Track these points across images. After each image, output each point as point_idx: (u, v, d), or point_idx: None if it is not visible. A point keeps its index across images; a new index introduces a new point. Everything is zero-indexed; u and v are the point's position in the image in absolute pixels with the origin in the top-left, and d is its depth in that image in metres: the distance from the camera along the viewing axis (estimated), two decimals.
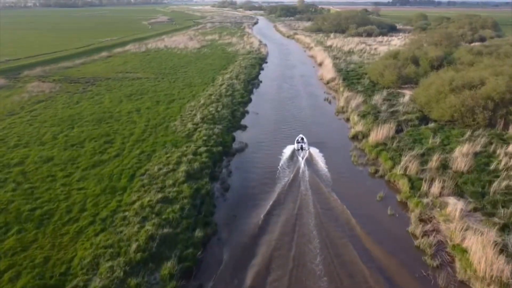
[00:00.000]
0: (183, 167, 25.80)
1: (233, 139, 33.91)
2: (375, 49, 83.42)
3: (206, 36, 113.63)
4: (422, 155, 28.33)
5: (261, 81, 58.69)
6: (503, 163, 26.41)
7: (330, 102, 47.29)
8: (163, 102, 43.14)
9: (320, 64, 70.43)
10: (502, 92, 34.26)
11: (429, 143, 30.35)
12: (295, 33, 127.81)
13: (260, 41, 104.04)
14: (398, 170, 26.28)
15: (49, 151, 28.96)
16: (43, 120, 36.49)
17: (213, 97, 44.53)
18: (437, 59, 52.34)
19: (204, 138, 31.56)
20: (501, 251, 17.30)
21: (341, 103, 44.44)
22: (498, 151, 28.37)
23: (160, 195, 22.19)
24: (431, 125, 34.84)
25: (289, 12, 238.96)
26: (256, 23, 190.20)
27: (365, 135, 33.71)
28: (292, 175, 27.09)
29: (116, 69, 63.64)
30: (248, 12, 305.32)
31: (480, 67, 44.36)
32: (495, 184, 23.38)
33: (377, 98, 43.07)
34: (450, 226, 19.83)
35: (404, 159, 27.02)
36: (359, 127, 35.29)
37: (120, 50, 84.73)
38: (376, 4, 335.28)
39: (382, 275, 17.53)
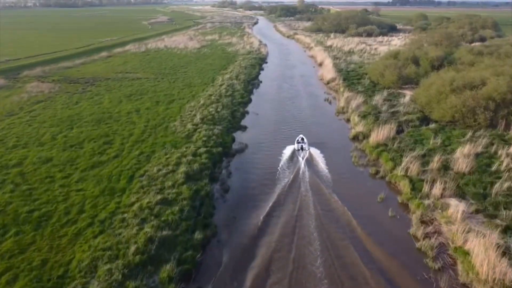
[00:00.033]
0: (182, 168, 25.62)
1: (233, 139, 33.74)
2: (375, 49, 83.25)
3: (206, 36, 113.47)
4: (423, 156, 28.14)
5: (261, 81, 58.53)
6: (504, 164, 26.22)
7: (330, 103, 47.12)
8: (162, 102, 42.97)
9: (320, 64, 70.26)
10: (503, 92, 34.06)
11: (430, 144, 30.18)
12: (295, 33, 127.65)
13: (260, 41, 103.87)
14: (399, 171, 26.10)
15: (48, 152, 28.79)
16: (42, 120, 36.32)
17: (213, 97, 44.36)
18: (438, 59, 52.15)
19: (204, 138, 31.38)
20: (504, 253, 17.13)
21: (342, 103, 44.25)
22: (499, 152, 28.19)
23: (159, 197, 22.02)
24: (432, 125, 34.67)
25: (289, 12, 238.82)
26: (256, 23, 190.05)
27: (366, 136, 33.54)
28: (292, 176, 26.93)
29: (116, 69, 63.47)
30: (248, 12, 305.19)
31: (481, 67, 44.19)
32: (496, 186, 23.18)
33: (378, 99, 42.90)
34: (451, 228, 19.65)
35: (405, 160, 26.83)
36: (360, 128, 35.12)
37: (120, 50, 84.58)
38: (376, 4, 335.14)
39: (384, 277, 17.36)
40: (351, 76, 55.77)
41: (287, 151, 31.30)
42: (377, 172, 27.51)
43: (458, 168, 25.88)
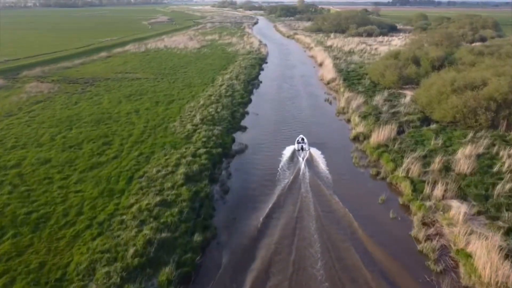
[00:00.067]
0: (182, 169, 25.44)
1: (233, 140, 33.55)
2: (376, 49, 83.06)
3: (206, 36, 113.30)
4: (424, 157, 27.95)
5: (261, 82, 58.35)
6: (506, 165, 26.03)
7: (330, 103, 46.93)
8: (162, 102, 42.79)
9: (321, 64, 70.08)
10: (504, 92, 33.87)
11: (431, 145, 30.00)
12: (295, 33, 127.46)
13: (260, 41, 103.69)
14: (400, 172, 25.91)
15: (46, 153, 28.61)
16: (41, 121, 36.14)
17: (212, 97, 44.17)
18: (438, 59, 51.96)
19: (204, 139, 31.20)
20: (507, 256, 16.92)
21: (342, 103, 44.07)
22: (501, 153, 28.00)
23: (158, 198, 21.83)
24: (433, 126, 34.47)
25: (289, 12, 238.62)
26: (256, 23, 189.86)
27: (366, 136, 33.37)
28: (292, 177, 26.76)
29: (115, 69, 63.29)
30: (248, 12, 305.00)
31: (481, 68, 44.01)
32: (498, 187, 22.99)
33: (378, 99, 42.72)
34: (453, 230, 19.46)
35: (406, 161, 26.64)
36: (360, 128, 34.93)
37: (119, 50, 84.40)
38: (376, 4, 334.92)
39: (385, 280, 17.18)
40: (351, 76, 55.58)
41: (287, 151, 31.13)
42: (378, 173, 27.33)
43: (459, 169, 25.70)
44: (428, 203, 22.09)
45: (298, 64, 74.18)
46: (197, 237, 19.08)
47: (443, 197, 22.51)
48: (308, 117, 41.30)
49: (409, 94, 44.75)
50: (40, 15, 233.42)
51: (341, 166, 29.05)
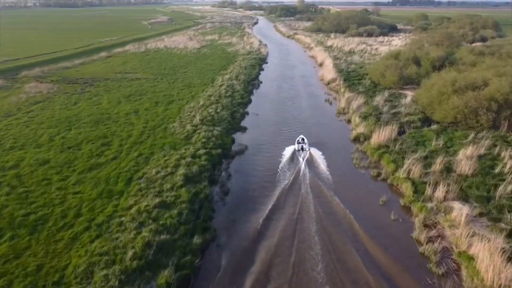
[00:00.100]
0: (181, 170, 25.25)
1: (233, 141, 33.36)
2: (376, 49, 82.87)
3: (206, 36, 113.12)
4: (425, 157, 27.76)
5: (261, 82, 58.15)
6: (508, 166, 25.82)
7: (331, 103, 46.74)
8: (162, 103, 42.60)
9: (321, 65, 69.90)
10: (505, 93, 33.67)
11: (432, 146, 29.81)
12: (295, 33, 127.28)
13: (260, 41, 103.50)
14: (401, 173, 25.72)
15: (45, 154, 28.42)
16: (40, 121, 35.95)
17: (212, 98, 43.98)
18: (439, 60, 51.80)
19: (203, 140, 31.00)
20: (510, 259, 16.74)
21: (342, 104, 43.88)
22: (502, 154, 27.82)
23: (157, 200, 21.64)
24: (434, 126, 34.28)
25: (289, 12, 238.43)
26: (256, 23, 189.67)
27: (367, 137, 33.18)
28: (292, 178, 26.58)
29: (115, 69, 63.12)
30: (248, 12, 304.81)
31: (482, 68, 43.86)
32: (500, 188, 22.82)
33: (379, 99, 42.52)
34: (455, 232, 19.27)
35: (407, 162, 26.45)
36: (361, 129, 34.74)
37: (119, 50, 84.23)
38: (376, 4, 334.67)
39: (387, 282, 17.00)
40: (351, 77, 55.39)
41: (288, 152, 30.98)
42: (379, 174, 27.14)
43: (461, 170, 25.51)
44: (429, 205, 21.90)
45: (298, 64, 74.00)
46: (197, 239, 18.90)
47: (445, 199, 22.32)
48: (308, 117, 41.10)
49: (409, 94, 44.56)
50: (40, 15, 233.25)
51: (342, 167, 28.87)
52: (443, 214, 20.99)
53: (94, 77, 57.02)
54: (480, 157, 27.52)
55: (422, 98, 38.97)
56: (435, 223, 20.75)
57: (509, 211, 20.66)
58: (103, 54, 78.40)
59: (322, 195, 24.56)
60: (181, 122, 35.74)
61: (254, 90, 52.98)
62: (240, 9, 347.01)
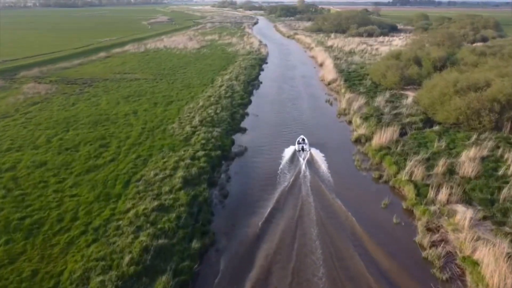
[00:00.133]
0: (180, 173, 24.88)
1: (233, 142, 32.98)
2: (377, 49, 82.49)
3: (206, 36, 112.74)
4: (428, 159, 27.38)
5: (261, 82, 57.78)
6: (511, 168, 25.46)
7: (331, 104, 46.36)
8: (161, 104, 42.23)
9: (321, 65, 69.54)
10: (508, 94, 33.28)
11: (435, 147, 29.42)
12: (295, 33, 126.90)
13: (260, 41, 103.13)
14: (403, 175, 25.33)
15: (42, 156, 28.05)
16: (37, 122, 35.58)
17: (212, 98, 43.60)
18: (440, 60, 51.45)
19: (203, 141, 30.62)
20: None
21: (343, 104, 43.51)
22: (506, 156, 27.43)
23: (155, 203, 21.26)
24: (436, 128, 33.90)
25: (289, 12, 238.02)
26: (256, 23, 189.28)
27: (368, 138, 32.82)
28: (292, 179, 26.21)
29: (114, 69, 62.75)
30: (248, 12, 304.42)
31: (484, 68, 43.53)
32: (504, 191, 22.43)
33: (380, 100, 42.14)
34: (459, 236, 18.89)
35: (409, 164, 26.06)
36: (362, 130, 34.38)
37: (119, 51, 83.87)
38: (376, 4, 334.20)
39: None
40: (352, 77, 55.00)
41: (288, 152, 30.67)
42: (381, 176, 26.76)
43: (464, 172, 25.13)
44: (432, 208, 21.52)
45: (298, 65, 73.62)
46: (195, 244, 18.52)
47: (448, 202, 21.95)
48: (308, 118, 40.73)
49: (411, 95, 44.18)
50: (40, 15, 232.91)
51: (343, 169, 28.51)
52: (446, 218, 20.63)
53: (93, 77, 56.65)
54: (483, 159, 27.15)
55: (424, 98, 38.60)
56: (438, 226, 20.38)
57: None
58: (102, 54, 78.05)
59: (323, 197, 24.19)
60: (180, 123, 35.37)
61: (254, 91, 52.62)
62: (240, 9, 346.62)
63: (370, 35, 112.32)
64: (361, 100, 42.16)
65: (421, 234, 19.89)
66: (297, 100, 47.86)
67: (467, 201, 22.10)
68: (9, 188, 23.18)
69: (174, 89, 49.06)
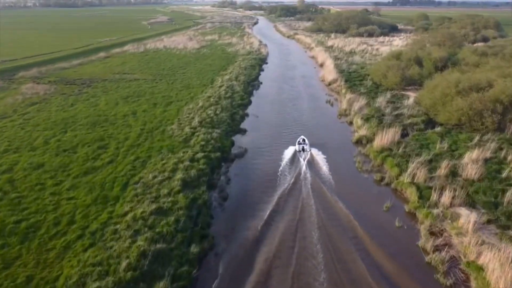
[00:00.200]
0: (179, 175, 24.51)
1: (232, 144, 32.61)
2: (377, 49, 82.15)
3: (206, 36, 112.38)
4: (430, 161, 27.01)
5: (261, 83, 57.41)
6: None
7: (332, 105, 46.00)
8: (160, 104, 41.88)
9: (321, 65, 69.18)
10: (511, 94, 32.93)
11: (437, 149, 29.05)
12: (296, 33, 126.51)
13: (260, 41, 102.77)
14: (405, 177, 24.96)
15: (40, 157, 27.69)
16: (35, 123, 35.22)
17: (212, 99, 43.24)
18: (441, 60, 51.07)
19: (202, 143, 30.26)
20: None
21: (344, 105, 43.15)
22: (509, 158, 27.09)
23: (154, 206, 20.89)
24: (438, 129, 33.53)
25: (289, 12, 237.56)
26: (256, 23, 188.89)
27: (369, 140, 32.47)
28: (292, 181, 25.87)
29: (113, 70, 62.39)
30: (248, 12, 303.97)
31: (486, 69, 43.16)
32: (508, 194, 22.07)
33: (381, 101, 41.77)
34: (463, 240, 18.53)
35: (411, 166, 25.70)
36: (363, 131, 34.02)
37: (118, 51, 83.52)
38: (376, 4, 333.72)
39: None
40: (353, 77, 54.65)
41: (288, 153, 30.39)
42: (382, 178, 26.39)
43: (467, 174, 24.78)
44: (435, 211, 21.16)
45: (298, 65, 73.25)
46: (194, 248, 18.16)
47: (451, 205, 21.59)
48: (309, 119, 40.37)
49: (412, 95, 43.82)
50: (40, 15, 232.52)
51: (344, 171, 28.15)
52: (449, 221, 20.27)
53: (92, 77, 56.29)
54: (486, 160, 26.79)
55: (425, 99, 38.24)
56: (442, 230, 20.01)
57: None
58: (102, 54, 77.70)
59: (324, 199, 23.88)
60: (180, 124, 35.01)
61: (254, 91, 52.26)
62: (240, 9, 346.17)
63: (370, 35, 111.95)
64: (362, 101, 41.81)
65: (424, 238, 19.53)
66: (297, 101, 47.49)
67: (471, 204, 21.75)
68: (5, 191, 22.83)
69: (174, 90, 48.71)
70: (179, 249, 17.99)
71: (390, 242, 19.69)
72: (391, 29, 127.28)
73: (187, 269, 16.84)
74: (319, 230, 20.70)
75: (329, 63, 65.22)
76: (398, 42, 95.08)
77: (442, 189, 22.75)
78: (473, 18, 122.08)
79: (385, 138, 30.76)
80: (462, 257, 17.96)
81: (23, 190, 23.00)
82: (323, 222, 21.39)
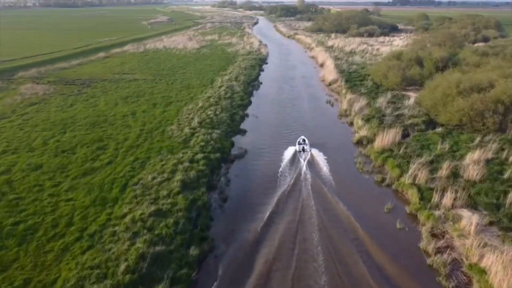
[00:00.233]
0: (178, 176, 24.33)
1: (232, 144, 32.43)
2: (377, 49, 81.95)
3: (206, 36, 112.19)
4: (431, 162, 26.83)
5: (261, 83, 57.23)
6: None
7: (332, 105, 45.81)
8: (160, 105, 41.70)
9: (322, 65, 69.00)
10: None
11: (438, 149, 28.86)
12: (296, 33, 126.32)
13: (260, 41, 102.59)
14: (407, 179, 24.77)
15: (38, 158, 27.50)
16: (34, 124, 35.04)
17: (211, 99, 43.06)
18: (442, 60, 50.87)
19: (202, 143, 30.09)
20: None
21: (344, 105, 42.98)
22: (510, 158, 26.91)
23: (153, 208, 20.71)
24: (439, 129, 33.33)
25: (289, 12, 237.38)
26: (256, 23, 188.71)
27: (370, 140, 32.29)
28: (292, 182, 25.69)
29: (113, 70, 62.22)
30: (248, 12, 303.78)
31: (487, 69, 42.97)
32: (510, 195, 21.86)
33: (381, 101, 41.58)
34: (465, 243, 18.35)
35: (412, 167, 25.50)
36: (364, 132, 33.84)
37: (118, 51, 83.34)
38: (376, 4, 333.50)
39: None
40: (353, 78, 54.46)
41: (288, 153, 30.24)
42: (383, 179, 26.20)
43: (468, 175, 24.59)
44: (437, 213, 20.97)
45: (298, 65, 73.06)
46: (193, 251, 17.98)
47: (453, 206, 21.41)
48: (309, 119, 40.18)
49: (412, 95, 43.64)
50: (40, 15, 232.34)
51: (345, 171, 27.97)
52: (451, 223, 20.08)
53: (92, 78, 56.11)
54: (487, 161, 26.61)
55: (426, 99, 38.06)
56: (443, 232, 19.83)
57: None
58: (101, 54, 77.53)
59: (324, 200, 23.72)
60: (179, 124, 34.83)
61: (254, 92, 52.07)
62: (240, 9, 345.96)
63: (370, 35, 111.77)
64: (363, 101, 41.62)
65: (425, 240, 19.35)
66: (297, 101, 47.31)
67: (473, 205, 21.56)
68: (3, 192, 22.65)
69: (173, 90, 48.53)
70: (178, 251, 17.81)
71: (391, 244, 19.51)
72: (391, 29, 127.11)
73: (186, 272, 16.65)
74: (319, 231, 20.52)
75: (329, 63, 65.03)
76: (398, 42, 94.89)
77: (443, 191, 22.57)
78: (474, 18, 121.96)
79: (385, 138, 30.57)
80: (464, 259, 17.78)
81: (21, 191, 22.82)
82: (324, 223, 21.21)
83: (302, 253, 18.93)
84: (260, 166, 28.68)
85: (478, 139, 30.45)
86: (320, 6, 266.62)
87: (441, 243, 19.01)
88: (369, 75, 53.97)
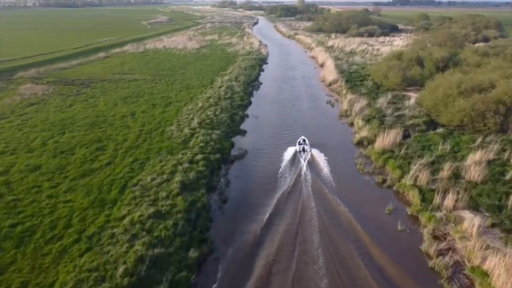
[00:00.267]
0: (178, 177, 24.15)
1: (232, 145, 32.25)
2: (378, 49, 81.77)
3: (206, 36, 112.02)
4: (432, 163, 26.64)
5: (261, 83, 57.05)
6: None
7: (332, 105, 45.63)
8: (159, 105, 41.52)
9: (322, 65, 68.83)
10: None
11: (439, 150, 28.69)
12: (296, 33, 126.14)
13: (260, 42, 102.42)
14: (408, 180, 24.59)
15: (37, 159, 27.32)
16: (33, 124, 34.86)
17: (211, 100, 42.88)
18: (442, 60, 50.67)
19: (201, 144, 29.90)
20: None
21: (344, 106, 42.81)
22: None
23: (152, 209, 20.53)
24: (440, 130, 33.16)
25: (289, 12, 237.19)
26: (256, 23, 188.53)
27: (371, 141, 32.10)
28: (292, 183, 25.51)
29: (112, 70, 62.04)
30: (248, 12, 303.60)
31: (488, 69, 42.78)
32: None
33: (382, 101, 41.40)
34: (467, 245, 18.17)
35: (414, 168, 25.32)
36: (364, 132, 33.67)
37: (118, 51, 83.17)
38: (376, 4, 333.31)
39: None
40: (353, 78, 54.28)
41: (288, 154, 30.08)
42: (384, 180, 26.01)
43: (470, 176, 24.40)
44: (438, 214, 20.79)
45: (298, 65, 72.89)
46: (193, 253, 17.80)
47: (454, 208, 21.22)
48: (309, 120, 40.01)
49: (413, 96, 43.46)
50: (40, 15, 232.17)
51: (345, 172, 27.79)
52: (453, 225, 19.91)
53: (91, 78, 55.94)
54: (489, 162, 26.42)
55: (427, 100, 37.88)
56: (445, 234, 19.66)
57: None
58: (101, 54, 77.37)
59: (325, 201, 23.54)
60: (179, 125, 34.66)
61: (254, 92, 51.89)
62: (240, 9, 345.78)
63: (371, 35, 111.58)
64: (363, 102, 41.45)
65: (427, 242, 19.16)
66: (297, 101, 47.14)
67: (474, 207, 21.38)
68: (1, 193, 22.47)
69: (173, 90, 48.35)
70: (178, 253, 17.63)
71: (392, 246, 19.33)
72: (392, 29, 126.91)
73: (185, 275, 16.47)
74: (320, 233, 20.35)
75: (330, 64, 64.85)
76: (398, 42, 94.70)
77: (445, 192, 22.38)
78: (474, 18, 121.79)
79: (386, 139, 30.39)
80: (467, 262, 17.61)
81: (20, 192, 22.64)
82: (324, 225, 21.04)
83: (303, 255, 18.75)
84: (260, 167, 28.51)
85: (479, 139, 30.27)
86: (320, 6, 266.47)
87: (442, 245, 18.83)
88: (369, 75, 53.79)
